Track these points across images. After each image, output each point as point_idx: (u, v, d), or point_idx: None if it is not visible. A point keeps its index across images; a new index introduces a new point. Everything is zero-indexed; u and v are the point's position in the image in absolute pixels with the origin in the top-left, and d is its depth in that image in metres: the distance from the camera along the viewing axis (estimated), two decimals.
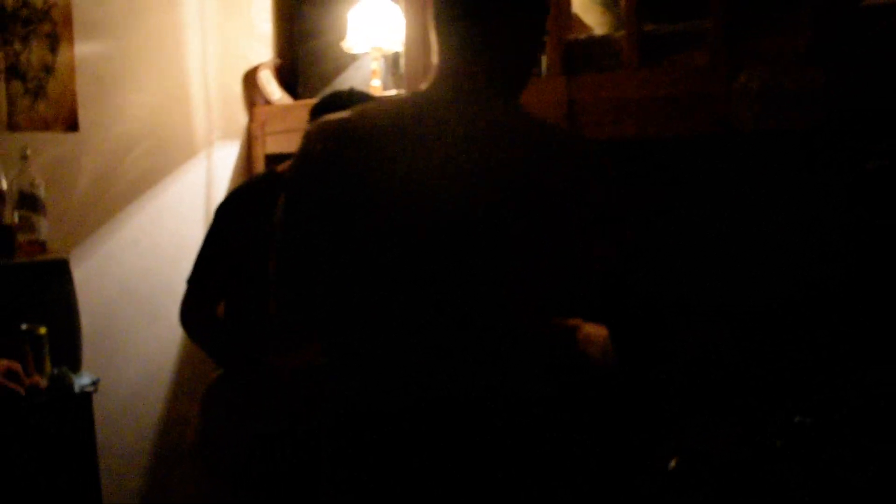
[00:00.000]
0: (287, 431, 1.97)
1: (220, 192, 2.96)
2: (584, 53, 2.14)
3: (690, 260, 1.26)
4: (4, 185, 2.28)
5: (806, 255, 1.74)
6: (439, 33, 1.27)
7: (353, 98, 2.10)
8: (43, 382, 2.10)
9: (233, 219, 2.03)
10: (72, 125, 2.57)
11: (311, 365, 1.98)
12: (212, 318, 2.04)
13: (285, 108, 2.97)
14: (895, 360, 1.59)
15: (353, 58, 2.99)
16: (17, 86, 2.44)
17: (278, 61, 3.10)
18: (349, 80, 3.02)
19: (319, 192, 1.24)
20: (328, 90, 3.01)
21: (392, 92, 2.71)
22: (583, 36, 2.21)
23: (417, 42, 2.47)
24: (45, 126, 2.51)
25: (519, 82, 1.30)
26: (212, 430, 2.05)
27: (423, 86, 1.28)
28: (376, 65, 2.80)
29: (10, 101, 2.43)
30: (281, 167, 2.12)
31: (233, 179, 3.00)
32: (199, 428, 2.07)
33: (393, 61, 2.96)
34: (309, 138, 1.28)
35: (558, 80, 2.11)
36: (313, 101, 2.83)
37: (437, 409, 1.18)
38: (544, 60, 2.27)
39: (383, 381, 1.23)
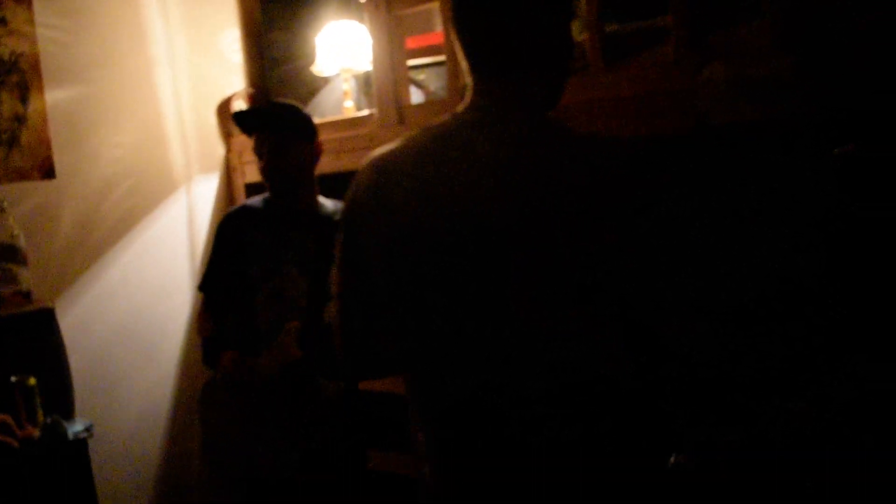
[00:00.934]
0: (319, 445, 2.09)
1: (202, 225, 2.97)
2: None
3: (671, 258, 1.25)
4: None
5: (785, 246, 1.73)
6: (466, 54, 1.27)
7: (272, 108, 2.33)
8: (36, 433, 2.10)
9: (232, 231, 2.25)
10: (48, 172, 2.57)
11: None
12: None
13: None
14: (879, 351, 1.58)
15: (325, 80, 3.00)
16: None
17: (251, 90, 3.11)
18: (322, 102, 3.03)
19: (370, 227, 1.27)
20: None
21: (365, 111, 2.72)
22: None
23: (386, 60, 2.48)
24: (22, 176, 2.50)
25: (553, 93, 1.30)
26: (211, 434, 2.14)
27: (460, 107, 1.29)
28: (347, 85, 2.81)
29: None
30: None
31: (214, 211, 3.00)
32: (200, 433, 2.17)
33: (364, 80, 2.97)
34: (359, 175, 1.31)
35: None
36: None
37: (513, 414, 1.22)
38: None
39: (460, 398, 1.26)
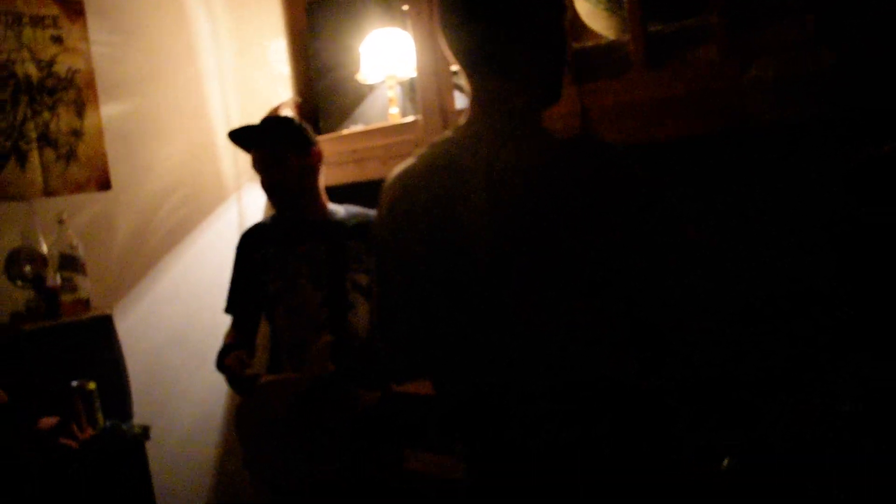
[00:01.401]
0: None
1: None
2: (593, 61, 2.14)
3: (677, 256, 1.24)
4: (45, 249, 2.36)
5: (795, 245, 1.71)
6: (458, 61, 1.29)
7: (263, 124, 2.33)
8: (95, 435, 2.17)
9: (248, 250, 2.29)
10: (104, 185, 2.65)
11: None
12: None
13: None
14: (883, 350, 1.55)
15: (370, 88, 3.03)
16: (49, 153, 2.53)
17: (298, 99, 3.16)
18: (368, 110, 3.06)
19: (396, 241, 1.32)
20: (348, 122, 3.06)
21: (410, 118, 2.74)
22: (590, 43, 2.20)
23: (430, 66, 2.50)
24: (79, 188, 2.59)
25: (552, 89, 1.30)
26: (251, 450, 2.16)
27: (462, 119, 1.32)
28: (392, 93, 2.83)
29: (45, 168, 2.52)
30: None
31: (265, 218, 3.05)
32: (242, 450, 2.19)
33: (409, 87, 2.99)
34: (384, 190, 1.36)
35: (570, 90, 2.11)
36: (335, 135, 2.90)
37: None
38: None
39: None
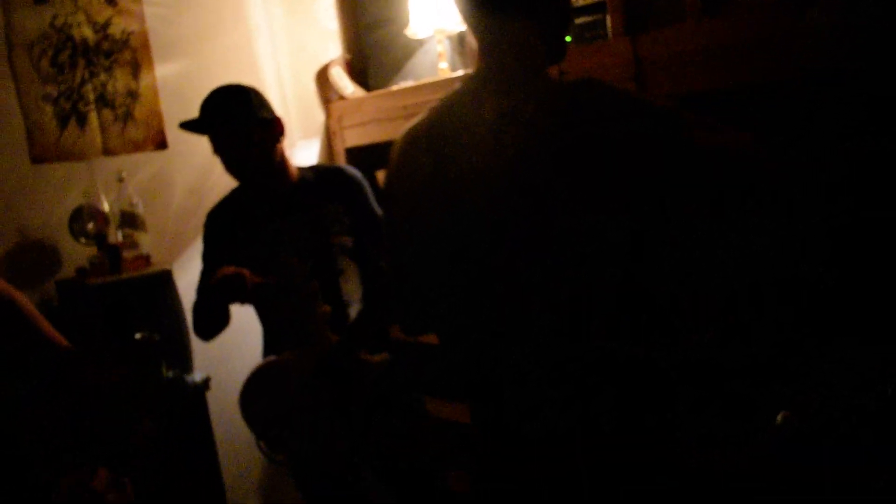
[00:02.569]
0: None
1: None
2: (646, 10, 2.10)
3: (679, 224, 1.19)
4: (107, 208, 2.44)
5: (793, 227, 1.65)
6: (462, 13, 1.28)
7: (206, 105, 2.13)
8: (160, 386, 2.25)
9: (219, 231, 2.18)
10: (161, 144, 2.71)
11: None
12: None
13: (359, 101, 3.04)
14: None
15: (419, 43, 3.02)
16: (107, 114, 2.60)
17: (347, 56, 3.17)
18: (417, 65, 3.05)
19: (403, 198, 1.31)
20: (398, 78, 3.06)
21: (460, 72, 2.73)
22: None
23: None
24: (137, 148, 2.65)
25: (557, 46, 1.27)
26: (264, 433, 2.08)
27: (472, 70, 1.30)
28: (441, 47, 2.82)
29: (103, 129, 2.59)
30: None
31: None
32: (253, 435, 2.11)
33: (458, 41, 2.97)
34: (393, 148, 1.35)
35: (623, 41, 2.07)
36: (385, 91, 2.90)
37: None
38: (608, 21, 2.23)
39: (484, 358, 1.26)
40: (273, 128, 2.11)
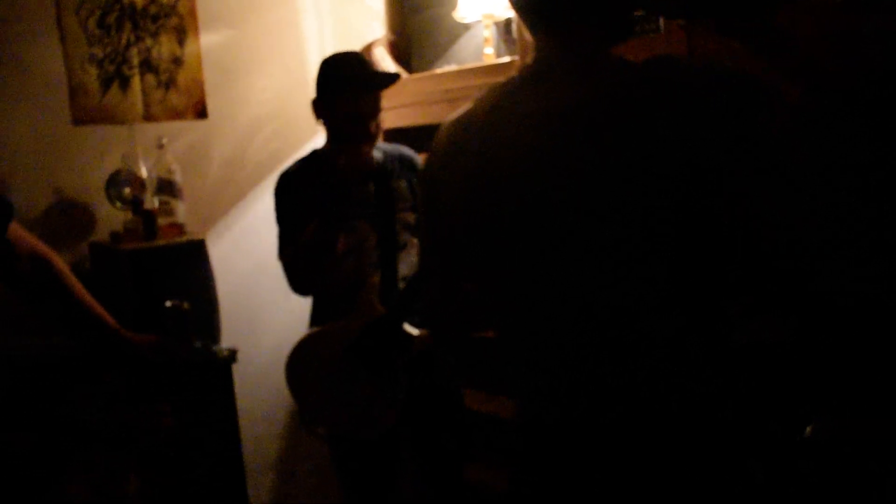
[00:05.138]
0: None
1: None
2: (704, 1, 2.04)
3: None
4: (144, 173, 2.44)
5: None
6: (518, 14, 1.24)
7: (369, 68, 2.21)
8: (188, 354, 2.24)
9: (294, 193, 2.18)
10: (201, 113, 2.70)
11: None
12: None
13: (401, 83, 2.99)
14: None
15: (465, 27, 2.98)
16: (150, 79, 2.59)
17: (391, 36, 3.14)
18: (462, 49, 3.01)
19: (446, 190, 1.26)
20: (441, 62, 3.02)
21: (506, 58, 2.69)
22: None
23: None
24: (177, 115, 2.65)
25: (619, 28, 1.21)
26: (307, 403, 2.13)
27: (528, 58, 1.26)
28: (488, 32, 2.78)
29: (145, 94, 2.59)
30: (320, 149, 2.24)
31: None
32: (297, 405, 2.17)
33: (505, 27, 2.93)
34: (436, 137, 1.31)
35: (677, 34, 2.02)
36: (428, 74, 2.87)
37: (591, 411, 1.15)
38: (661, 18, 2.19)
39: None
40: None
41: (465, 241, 1.24)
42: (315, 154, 2.25)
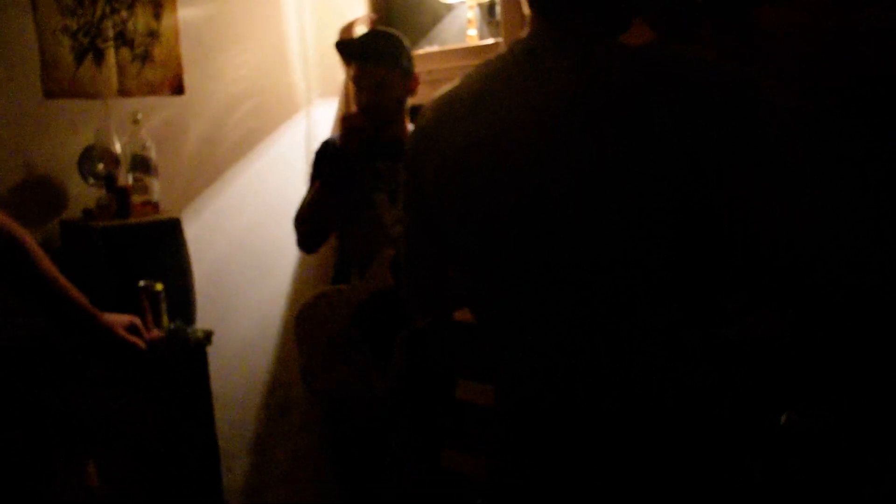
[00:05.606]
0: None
1: None
2: None
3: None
4: (118, 149, 2.37)
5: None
6: None
7: (378, 38, 2.29)
8: (161, 336, 2.20)
9: (321, 160, 2.33)
10: (178, 89, 2.64)
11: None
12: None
13: None
14: None
15: (448, 7, 2.94)
16: (125, 53, 2.52)
17: (373, 15, 3.09)
18: (445, 30, 2.98)
19: (429, 169, 1.22)
20: (423, 42, 2.98)
21: (489, 41, 2.66)
22: None
23: None
24: (153, 90, 2.58)
25: (618, 20, 1.18)
26: (307, 356, 2.19)
27: (522, 33, 1.22)
28: (472, 13, 2.75)
29: (120, 68, 2.52)
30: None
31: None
32: (300, 358, 2.22)
33: (489, 9, 2.89)
34: (420, 115, 1.27)
35: (648, 35, 2.00)
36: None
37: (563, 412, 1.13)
38: None
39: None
40: (412, 80, 2.27)
41: (452, 223, 1.21)
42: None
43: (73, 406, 1.98)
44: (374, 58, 2.21)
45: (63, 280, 1.78)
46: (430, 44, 2.95)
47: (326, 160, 2.27)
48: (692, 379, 1.09)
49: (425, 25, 3.00)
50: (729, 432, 1.12)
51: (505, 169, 1.12)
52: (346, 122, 2.20)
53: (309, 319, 2.18)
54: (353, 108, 2.81)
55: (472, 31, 2.75)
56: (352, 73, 2.25)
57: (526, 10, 1.21)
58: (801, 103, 1.73)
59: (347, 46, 2.29)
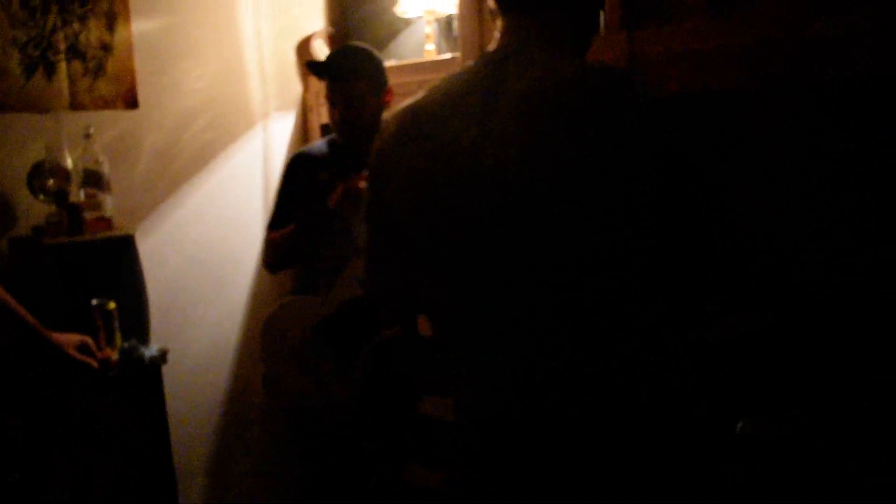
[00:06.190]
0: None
1: (277, 163, 2.98)
2: (645, 5, 2.06)
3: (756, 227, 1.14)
4: (70, 164, 2.32)
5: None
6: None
7: (350, 55, 2.27)
8: (114, 355, 2.16)
9: (299, 172, 2.31)
10: (132, 102, 2.59)
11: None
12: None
13: None
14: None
15: (407, 22, 2.95)
16: (77, 66, 2.47)
17: (331, 29, 3.08)
18: (402, 45, 2.98)
19: (389, 179, 1.22)
20: (382, 57, 2.97)
21: (447, 55, 2.66)
22: None
23: (471, 3, 2.41)
24: (106, 104, 2.53)
25: (583, 38, 1.22)
26: (272, 365, 2.19)
27: (490, 47, 1.23)
28: (430, 28, 2.75)
29: (72, 81, 2.46)
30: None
31: (289, 149, 3.01)
32: (263, 367, 2.22)
33: (446, 24, 2.90)
34: (384, 127, 1.28)
35: (619, 36, 2.03)
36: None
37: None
38: (602, 16, 2.19)
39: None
40: (387, 93, 2.27)
41: (423, 232, 1.21)
42: (324, 144, 2.35)
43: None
44: (345, 75, 2.20)
45: (10, 299, 1.73)
46: (388, 58, 2.94)
47: (307, 208, 2.16)
48: (671, 379, 1.10)
49: (383, 40, 3.00)
50: (704, 434, 1.14)
51: (486, 175, 1.12)
52: (346, 185, 2.12)
53: (273, 329, 2.18)
54: (318, 123, 2.83)
55: (430, 46, 2.75)
56: (325, 90, 2.24)
57: (496, 20, 1.22)
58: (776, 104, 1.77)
59: (318, 65, 2.28)
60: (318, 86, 2.98)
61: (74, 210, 2.27)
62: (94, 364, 2.05)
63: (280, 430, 2.56)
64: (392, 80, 2.69)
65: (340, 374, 2.08)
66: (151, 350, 2.26)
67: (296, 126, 3.05)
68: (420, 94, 1.25)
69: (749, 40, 1.80)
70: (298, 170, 2.32)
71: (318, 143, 2.39)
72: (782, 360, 1.58)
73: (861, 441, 1.45)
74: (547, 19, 1.18)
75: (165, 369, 2.31)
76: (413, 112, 1.22)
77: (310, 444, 2.30)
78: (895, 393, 1.51)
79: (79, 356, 2.02)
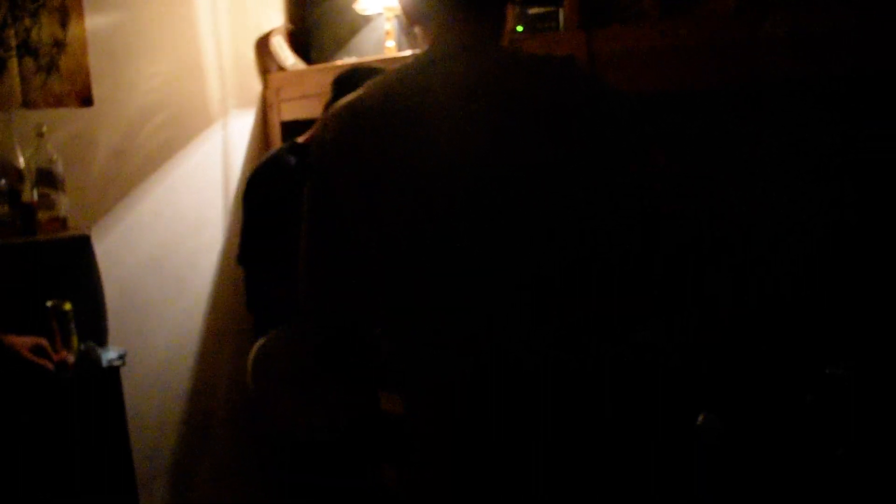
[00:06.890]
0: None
1: (237, 161, 2.96)
2: (603, 5, 2.08)
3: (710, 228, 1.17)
4: (22, 164, 2.27)
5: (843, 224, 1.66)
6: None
7: (372, 73, 2.13)
8: (71, 358, 2.12)
9: (262, 198, 2.16)
10: (86, 100, 2.55)
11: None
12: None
13: (299, 74, 2.93)
14: None
15: (367, 19, 2.94)
16: (29, 63, 2.42)
17: (290, 26, 3.06)
18: (362, 42, 2.97)
19: (334, 180, 1.22)
20: (341, 54, 2.97)
21: (407, 52, 2.66)
22: None
23: None
24: (60, 102, 2.49)
25: (503, 34, 1.26)
26: (264, 399, 2.10)
27: (423, 48, 1.25)
28: (389, 25, 2.75)
29: (24, 79, 2.41)
30: (301, 138, 2.17)
31: (249, 147, 2.98)
32: (254, 396, 2.13)
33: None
34: (323, 126, 1.27)
35: (577, 35, 2.05)
36: (327, 65, 2.81)
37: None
38: (561, 14, 2.21)
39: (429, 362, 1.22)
40: None
41: (373, 225, 1.21)
42: (278, 158, 2.19)
43: None
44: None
45: None
46: (348, 55, 2.94)
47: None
48: (634, 370, 1.14)
49: (343, 37, 2.98)
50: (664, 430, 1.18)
51: (448, 167, 1.15)
52: None
53: (267, 360, 2.07)
54: (278, 120, 2.75)
55: (390, 43, 2.75)
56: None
57: (421, 25, 1.24)
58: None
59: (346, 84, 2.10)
60: (279, 83, 2.96)
61: (28, 210, 2.23)
62: (50, 366, 2.02)
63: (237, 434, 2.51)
64: None
65: (346, 400, 2.02)
66: (109, 352, 2.23)
67: (256, 124, 3.03)
68: (357, 93, 1.25)
69: (701, 41, 1.83)
70: (269, 191, 2.16)
71: (281, 154, 2.22)
72: (708, 362, 1.63)
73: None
74: (484, 17, 1.22)
75: (124, 371, 2.28)
76: (353, 110, 1.22)
77: (311, 474, 2.22)
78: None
79: (33, 358, 1.99)
